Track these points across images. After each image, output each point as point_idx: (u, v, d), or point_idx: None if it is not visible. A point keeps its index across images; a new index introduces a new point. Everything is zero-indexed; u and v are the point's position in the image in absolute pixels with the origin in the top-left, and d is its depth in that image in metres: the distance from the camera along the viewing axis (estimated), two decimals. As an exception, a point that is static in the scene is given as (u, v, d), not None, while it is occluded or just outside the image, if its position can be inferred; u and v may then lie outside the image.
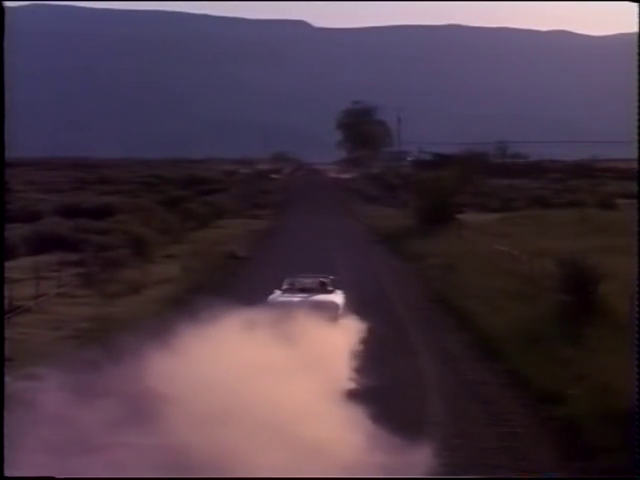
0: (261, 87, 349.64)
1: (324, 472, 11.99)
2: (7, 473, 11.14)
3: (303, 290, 23.58)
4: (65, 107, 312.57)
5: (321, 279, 24.41)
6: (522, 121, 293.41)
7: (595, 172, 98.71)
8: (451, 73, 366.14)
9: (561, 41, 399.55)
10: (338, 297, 23.60)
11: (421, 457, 13.35)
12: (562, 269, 24.08)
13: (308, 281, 24.24)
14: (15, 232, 41.67)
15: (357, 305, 24.42)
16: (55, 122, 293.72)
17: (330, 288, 24.01)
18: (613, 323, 20.56)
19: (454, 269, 35.58)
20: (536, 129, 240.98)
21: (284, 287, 23.95)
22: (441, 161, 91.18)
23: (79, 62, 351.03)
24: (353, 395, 15.98)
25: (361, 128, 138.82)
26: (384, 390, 17.41)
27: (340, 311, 22.73)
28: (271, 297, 23.13)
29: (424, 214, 56.55)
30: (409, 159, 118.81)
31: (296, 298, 22.72)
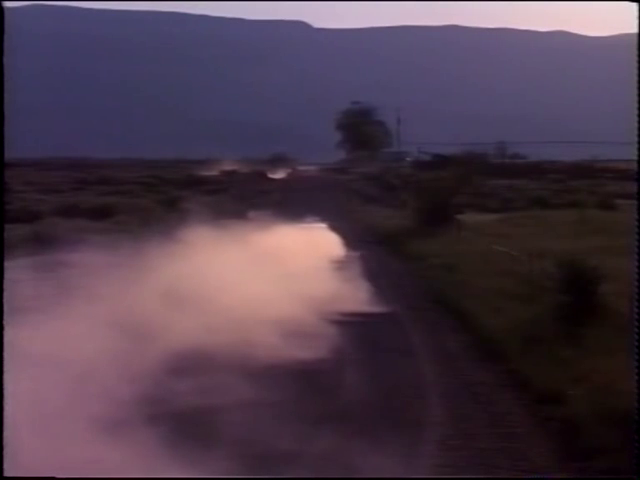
0: (260, 87, 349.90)
1: None
2: (7, 473, 11.12)
3: (309, 222, 48.98)
4: (65, 107, 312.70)
5: (314, 218, 51.07)
6: (522, 121, 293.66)
7: (595, 173, 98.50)
8: (450, 73, 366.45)
9: (560, 41, 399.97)
10: (324, 224, 49.48)
11: (420, 457, 13.35)
12: (562, 270, 24.05)
13: (309, 219, 49.93)
14: (15, 232, 41.67)
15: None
16: (55, 122, 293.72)
17: (319, 222, 50.29)
18: (613, 324, 20.56)
19: (454, 269, 35.59)
20: (536, 129, 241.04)
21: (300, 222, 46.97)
22: (440, 161, 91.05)
23: (79, 62, 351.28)
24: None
25: (360, 129, 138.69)
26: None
27: (325, 227, 48.60)
28: (298, 225, 45.06)
29: (423, 214, 56.38)
30: (408, 159, 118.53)
31: (306, 224, 46.95)
